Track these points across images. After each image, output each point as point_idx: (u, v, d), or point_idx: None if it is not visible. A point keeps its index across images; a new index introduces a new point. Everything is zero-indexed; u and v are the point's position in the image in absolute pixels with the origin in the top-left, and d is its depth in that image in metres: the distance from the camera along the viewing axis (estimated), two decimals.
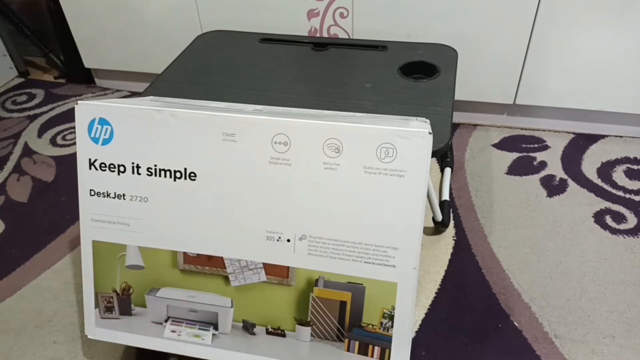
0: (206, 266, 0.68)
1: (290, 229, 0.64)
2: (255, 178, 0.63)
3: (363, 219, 0.62)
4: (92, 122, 0.66)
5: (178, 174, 0.65)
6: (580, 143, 1.27)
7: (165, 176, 0.65)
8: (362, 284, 0.64)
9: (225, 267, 0.68)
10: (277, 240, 0.65)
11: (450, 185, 1.15)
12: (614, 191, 1.12)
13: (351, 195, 0.61)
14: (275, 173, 0.62)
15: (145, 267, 0.70)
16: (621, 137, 1.28)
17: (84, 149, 0.68)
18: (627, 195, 1.10)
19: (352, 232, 0.63)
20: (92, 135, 0.67)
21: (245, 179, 0.63)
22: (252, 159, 0.63)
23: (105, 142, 0.67)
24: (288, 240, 0.65)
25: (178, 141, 0.64)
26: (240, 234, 0.66)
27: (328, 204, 0.62)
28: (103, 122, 0.66)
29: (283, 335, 0.67)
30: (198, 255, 0.68)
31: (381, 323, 0.64)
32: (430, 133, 0.59)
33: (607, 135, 1.28)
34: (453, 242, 1.02)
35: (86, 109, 0.66)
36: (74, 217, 1.13)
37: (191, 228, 0.67)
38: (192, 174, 0.64)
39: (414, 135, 0.58)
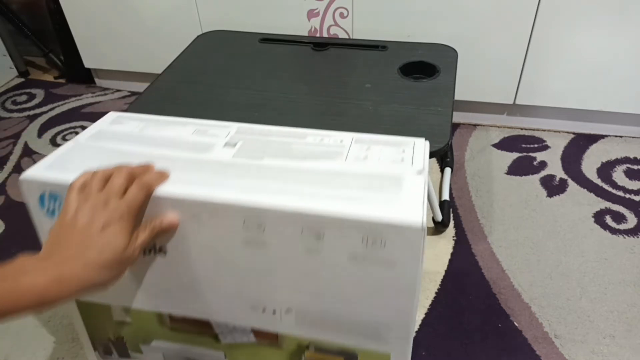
0: (193, 326, 0.65)
1: (273, 303, 0.59)
2: (228, 258, 0.56)
3: (351, 302, 0.56)
4: (42, 196, 0.56)
5: (147, 250, 0.58)
6: (580, 143, 1.27)
7: None
8: (354, 351, 0.60)
9: (212, 328, 0.65)
10: (262, 311, 0.60)
11: (450, 185, 1.15)
12: (614, 191, 1.12)
13: (336, 280, 0.54)
14: (250, 254, 0.55)
15: (133, 322, 0.67)
16: (621, 137, 1.28)
17: (41, 225, 0.59)
18: (627, 195, 1.10)
19: (340, 310, 0.57)
20: (46, 209, 0.57)
21: (218, 258, 0.56)
22: (223, 240, 0.55)
23: None
24: (274, 312, 0.60)
25: None
26: (222, 303, 0.61)
27: (311, 286, 0.56)
28: (53, 196, 0.56)
29: None
30: (184, 317, 0.65)
31: None
32: (423, 229, 0.49)
33: (607, 135, 1.28)
34: (453, 242, 1.02)
35: (31, 186, 0.56)
36: None
37: (171, 295, 0.62)
38: (162, 249, 0.57)
39: (405, 229, 0.49)
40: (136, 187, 0.51)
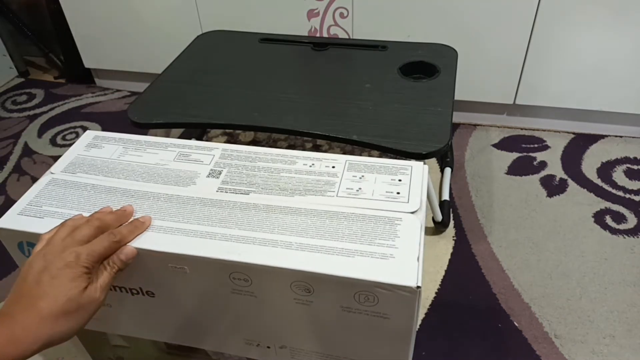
0: (190, 351, 0.65)
1: (267, 341, 0.59)
2: (218, 303, 0.55)
3: (345, 345, 0.56)
4: (20, 244, 0.56)
5: (134, 291, 0.56)
6: (580, 143, 1.27)
7: (120, 291, 0.57)
8: None
9: (209, 355, 0.65)
10: (257, 346, 0.60)
11: (450, 185, 1.15)
12: (614, 191, 1.12)
13: (330, 326, 0.53)
14: (240, 301, 0.54)
15: (131, 347, 0.67)
16: (621, 137, 1.28)
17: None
18: (627, 195, 1.10)
19: (334, 351, 0.57)
20: (27, 254, 0.57)
21: (206, 302, 0.55)
22: (210, 288, 0.53)
23: None
24: (268, 347, 0.60)
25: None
26: (215, 338, 0.61)
27: (304, 330, 0.55)
28: (31, 244, 0.56)
29: None
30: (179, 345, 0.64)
31: None
32: (418, 289, 0.46)
33: (607, 135, 1.28)
34: (453, 242, 1.02)
35: (7, 235, 0.55)
36: None
37: (164, 328, 0.62)
38: (150, 292, 0.56)
39: (399, 290, 0.47)
40: (104, 236, 0.48)
